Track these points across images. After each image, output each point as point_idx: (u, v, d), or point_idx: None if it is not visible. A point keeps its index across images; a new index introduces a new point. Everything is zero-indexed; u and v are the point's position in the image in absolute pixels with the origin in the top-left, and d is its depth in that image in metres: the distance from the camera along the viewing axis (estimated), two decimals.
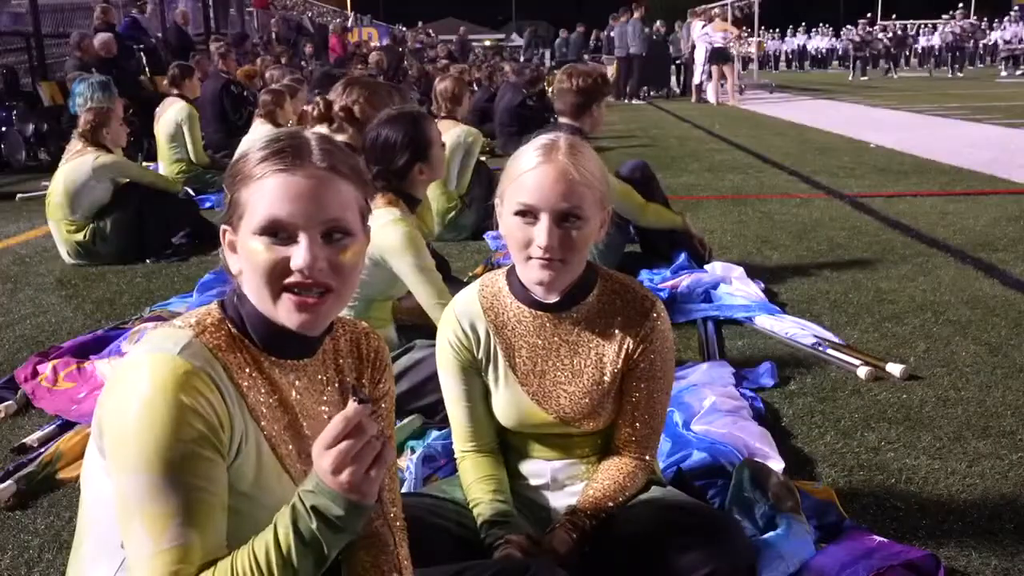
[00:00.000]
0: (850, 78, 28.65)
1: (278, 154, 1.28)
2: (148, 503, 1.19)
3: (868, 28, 30.75)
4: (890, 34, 31.07)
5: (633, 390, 1.81)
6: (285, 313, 1.28)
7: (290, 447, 1.36)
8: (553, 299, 1.78)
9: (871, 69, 30.08)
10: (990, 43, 32.83)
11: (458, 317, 1.85)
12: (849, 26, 31.56)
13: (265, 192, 1.26)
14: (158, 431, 1.18)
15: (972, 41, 30.65)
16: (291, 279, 1.26)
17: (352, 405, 1.15)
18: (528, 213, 1.67)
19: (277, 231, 1.26)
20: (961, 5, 31.09)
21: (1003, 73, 28.19)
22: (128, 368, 1.23)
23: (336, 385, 1.43)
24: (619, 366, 1.79)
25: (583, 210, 1.67)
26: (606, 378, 1.80)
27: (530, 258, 1.69)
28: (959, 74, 28.39)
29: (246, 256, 1.28)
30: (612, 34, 20.30)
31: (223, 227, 1.33)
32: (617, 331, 1.79)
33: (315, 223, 1.26)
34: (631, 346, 1.79)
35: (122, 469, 1.20)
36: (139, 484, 1.19)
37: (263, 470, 1.32)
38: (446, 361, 1.87)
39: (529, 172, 1.68)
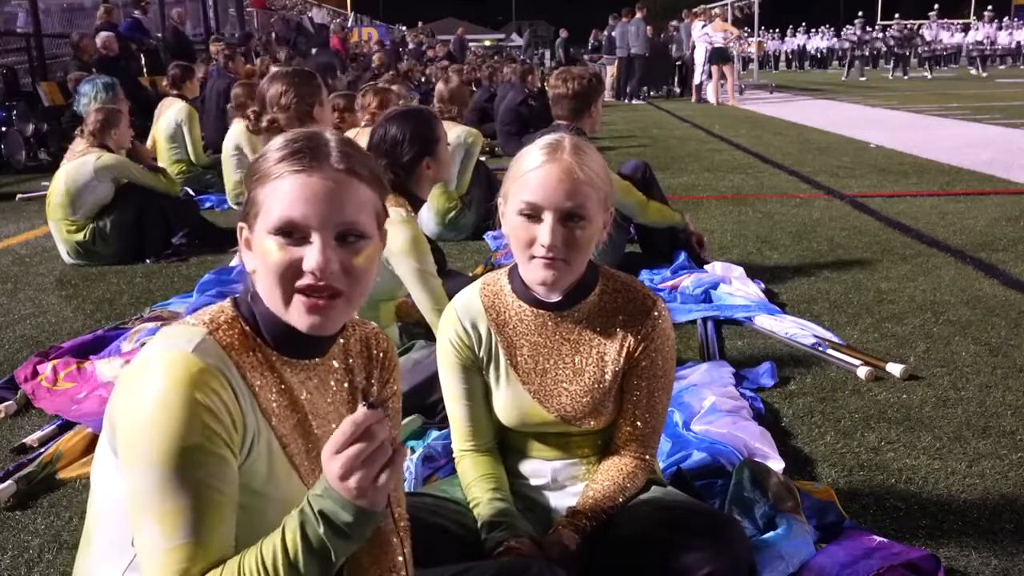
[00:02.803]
0: (843, 78, 28.39)
1: (296, 154, 1.27)
2: (159, 500, 1.19)
3: (866, 27, 30.68)
4: (896, 33, 30.94)
5: (634, 388, 1.81)
6: (296, 315, 1.27)
7: (300, 446, 1.36)
8: (555, 298, 1.78)
9: (869, 69, 29.86)
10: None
11: (459, 315, 1.85)
12: (848, 25, 31.56)
13: (281, 192, 1.26)
14: (171, 428, 1.18)
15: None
16: (303, 281, 1.25)
17: (361, 410, 1.13)
18: (532, 212, 1.67)
19: (291, 232, 1.25)
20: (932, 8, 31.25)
21: (972, 72, 28.39)
22: (142, 365, 1.23)
23: (346, 385, 1.43)
24: (620, 364, 1.80)
25: (587, 209, 1.67)
26: (607, 376, 1.80)
27: (533, 257, 1.69)
28: (927, 74, 28.49)
29: (260, 255, 1.28)
30: (613, 34, 20.30)
31: (240, 224, 1.33)
32: (619, 329, 1.79)
33: (329, 225, 1.25)
34: (632, 344, 1.79)
35: (134, 465, 1.20)
36: (150, 481, 1.19)
37: (274, 469, 1.32)
38: (447, 359, 1.87)
39: (533, 171, 1.68)
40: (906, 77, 28.05)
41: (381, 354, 1.49)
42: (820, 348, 3.51)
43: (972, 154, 9.17)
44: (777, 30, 45.14)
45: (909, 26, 31.51)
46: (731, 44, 19.28)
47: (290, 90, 3.73)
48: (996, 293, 4.31)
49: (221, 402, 1.21)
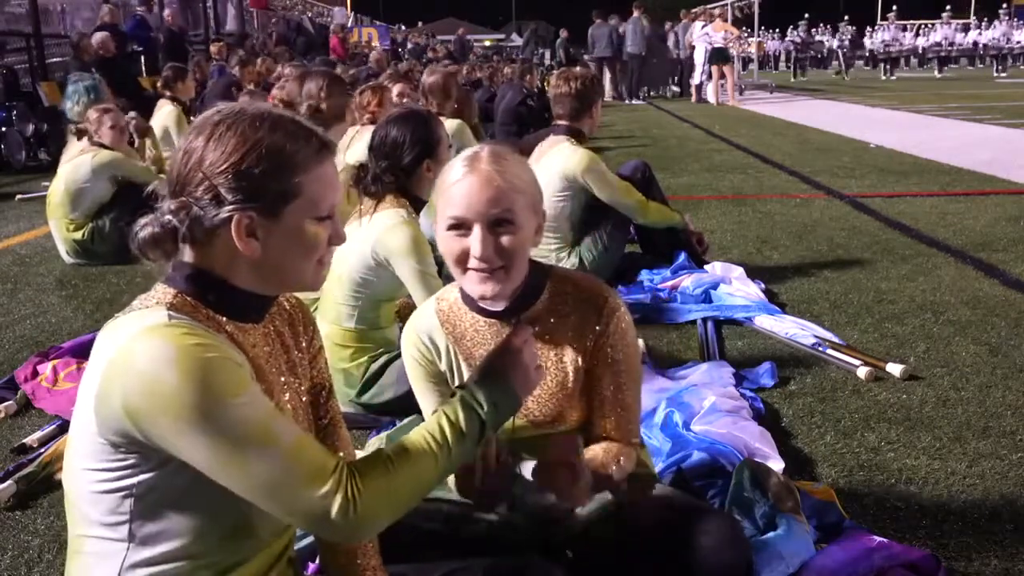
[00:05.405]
0: (792, 79, 28.80)
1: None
2: (241, 439, 1.23)
3: (809, 29, 31.35)
4: (848, 37, 31.71)
5: (600, 386, 1.79)
6: (311, 277, 1.42)
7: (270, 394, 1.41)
8: (501, 306, 1.75)
9: (811, 70, 30.53)
10: (988, 44, 32.89)
11: (418, 332, 1.84)
12: (842, 25, 32.26)
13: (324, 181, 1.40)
14: (201, 377, 1.22)
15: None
16: (321, 255, 1.42)
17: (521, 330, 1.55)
18: (460, 225, 1.65)
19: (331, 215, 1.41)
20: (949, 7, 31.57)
21: (936, 75, 28.88)
22: (127, 354, 1.25)
23: (279, 344, 1.50)
24: (580, 364, 1.77)
25: (514, 214, 1.64)
26: (570, 377, 1.78)
27: (468, 270, 1.67)
28: (892, 75, 28.85)
29: (301, 237, 1.37)
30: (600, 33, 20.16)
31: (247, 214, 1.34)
32: (572, 331, 1.77)
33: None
34: (589, 343, 1.76)
35: (192, 439, 1.22)
36: (214, 435, 1.22)
37: None
38: (416, 376, 1.86)
39: (456, 184, 1.65)
40: (847, 78, 28.93)
41: (299, 313, 1.58)
42: (820, 348, 3.51)
43: (972, 154, 9.17)
44: (777, 30, 45.07)
45: (854, 29, 32.61)
46: (731, 44, 19.26)
47: (327, 87, 3.84)
48: (996, 293, 4.31)
49: (219, 344, 1.28)
